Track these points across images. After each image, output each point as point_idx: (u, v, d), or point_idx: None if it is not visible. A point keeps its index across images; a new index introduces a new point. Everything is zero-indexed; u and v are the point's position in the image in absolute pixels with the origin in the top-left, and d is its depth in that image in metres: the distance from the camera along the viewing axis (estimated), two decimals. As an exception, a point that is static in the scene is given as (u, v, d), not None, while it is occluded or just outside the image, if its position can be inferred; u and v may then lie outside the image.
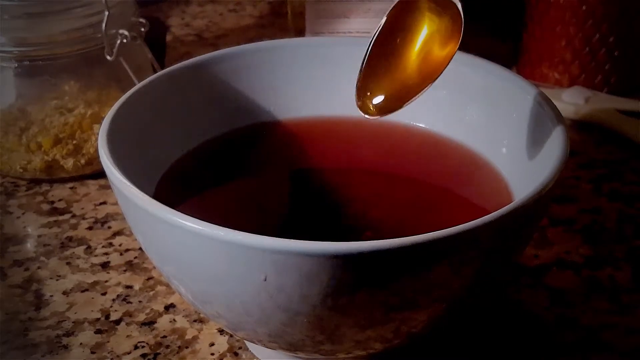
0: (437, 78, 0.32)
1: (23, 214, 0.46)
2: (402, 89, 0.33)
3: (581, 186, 0.47)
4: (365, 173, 0.39)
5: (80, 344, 0.36)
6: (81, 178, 0.48)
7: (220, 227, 0.26)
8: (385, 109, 0.33)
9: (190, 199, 0.36)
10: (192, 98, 0.38)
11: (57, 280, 0.40)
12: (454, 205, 0.36)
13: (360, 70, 0.33)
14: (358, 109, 0.33)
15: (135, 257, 0.41)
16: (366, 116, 0.33)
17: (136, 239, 0.37)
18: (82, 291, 0.39)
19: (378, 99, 0.33)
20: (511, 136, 0.36)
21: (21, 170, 0.48)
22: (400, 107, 0.32)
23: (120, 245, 0.43)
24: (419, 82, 0.32)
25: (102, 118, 0.34)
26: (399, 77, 0.33)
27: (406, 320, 0.29)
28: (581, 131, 0.52)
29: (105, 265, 0.41)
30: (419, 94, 0.32)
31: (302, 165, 0.39)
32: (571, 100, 0.53)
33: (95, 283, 0.40)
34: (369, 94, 0.33)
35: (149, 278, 0.40)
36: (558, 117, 0.33)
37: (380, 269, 0.26)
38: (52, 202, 0.47)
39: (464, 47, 0.40)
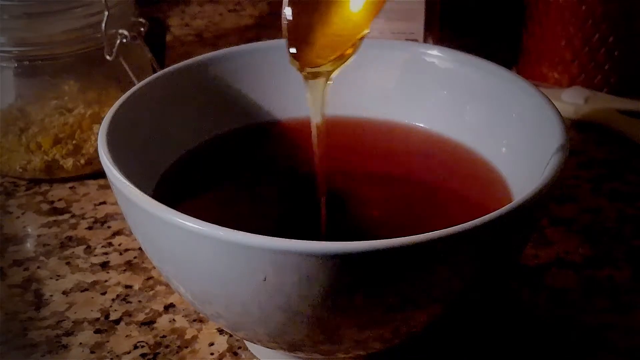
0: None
1: (23, 213, 0.46)
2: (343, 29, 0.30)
3: (581, 186, 0.47)
4: (365, 173, 0.39)
5: (80, 343, 0.36)
6: (81, 178, 0.48)
7: (220, 227, 0.26)
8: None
9: (190, 199, 0.36)
10: (191, 98, 0.38)
11: (56, 280, 0.40)
12: (454, 205, 0.36)
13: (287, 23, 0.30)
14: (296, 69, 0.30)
15: (135, 257, 0.41)
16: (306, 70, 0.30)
17: (136, 239, 0.37)
18: (82, 291, 0.39)
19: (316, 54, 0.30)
20: (511, 136, 0.36)
21: (21, 170, 0.48)
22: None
23: (119, 245, 0.43)
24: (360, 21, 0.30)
25: (102, 118, 0.34)
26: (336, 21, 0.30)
27: (406, 320, 0.29)
28: (581, 131, 0.52)
29: (104, 265, 0.41)
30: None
31: (301, 165, 0.39)
32: (571, 100, 0.53)
33: (95, 283, 0.40)
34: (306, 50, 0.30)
35: (149, 278, 0.40)
36: (558, 117, 0.33)
37: (380, 269, 0.26)
38: (52, 202, 0.47)
39: (464, 47, 0.40)
